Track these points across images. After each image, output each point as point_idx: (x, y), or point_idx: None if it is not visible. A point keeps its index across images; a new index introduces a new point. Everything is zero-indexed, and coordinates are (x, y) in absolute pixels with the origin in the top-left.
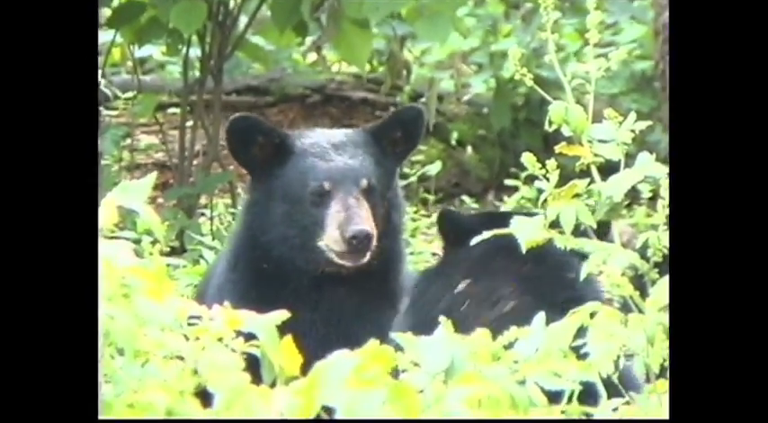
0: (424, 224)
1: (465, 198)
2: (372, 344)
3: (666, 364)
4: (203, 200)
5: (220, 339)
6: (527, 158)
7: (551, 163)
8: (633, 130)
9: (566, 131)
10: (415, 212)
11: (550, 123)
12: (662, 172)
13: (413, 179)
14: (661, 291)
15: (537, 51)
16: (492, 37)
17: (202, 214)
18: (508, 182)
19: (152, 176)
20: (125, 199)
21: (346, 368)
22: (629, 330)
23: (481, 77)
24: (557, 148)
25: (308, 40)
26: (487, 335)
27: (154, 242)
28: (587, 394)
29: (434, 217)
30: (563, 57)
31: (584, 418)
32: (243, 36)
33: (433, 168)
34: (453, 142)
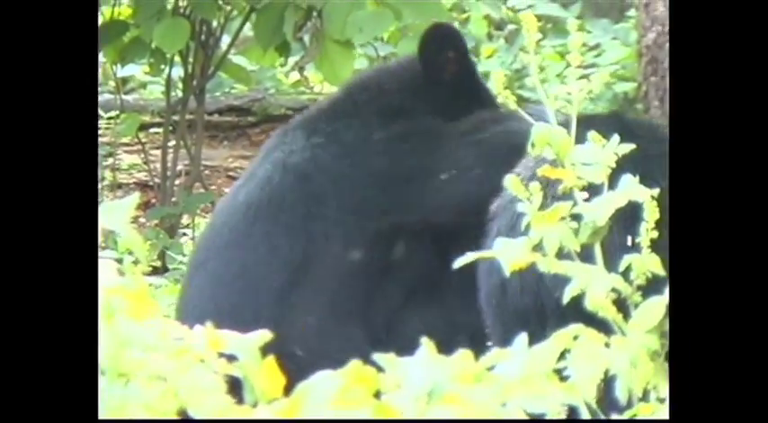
0: None
1: None
2: (355, 364)
3: (649, 386)
4: (185, 220)
5: (202, 360)
6: (510, 181)
7: (534, 185)
8: (617, 153)
9: (549, 154)
10: None
11: (533, 146)
12: (645, 194)
13: None
14: (645, 313)
15: (519, 72)
16: (475, 57)
17: (184, 234)
18: None
19: (135, 197)
20: (107, 219)
21: (330, 389)
22: (612, 353)
23: None
24: (539, 171)
25: (291, 59)
26: (469, 356)
27: (135, 262)
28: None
29: None
30: (544, 78)
31: (584, 418)
32: (225, 56)
33: None
34: None
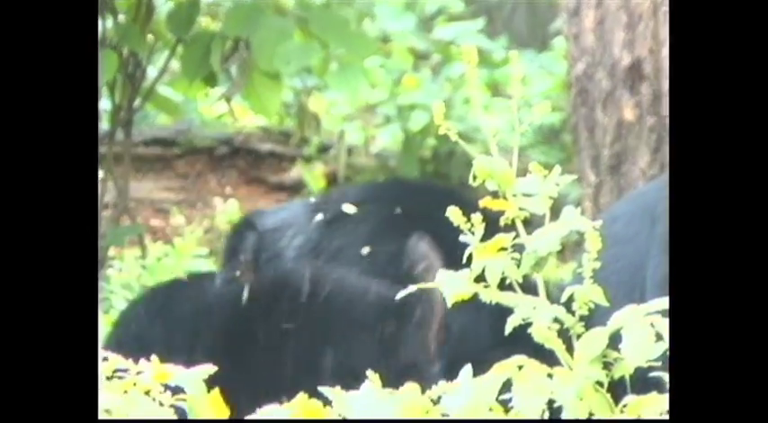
0: None
1: None
2: (302, 398)
3: (594, 416)
4: (111, 252)
5: (148, 393)
6: (452, 212)
7: (476, 216)
8: (558, 184)
9: (490, 185)
10: None
11: (475, 178)
12: (587, 225)
13: None
14: (588, 345)
15: (444, 103)
16: (400, 88)
17: (110, 266)
18: None
19: None
20: None
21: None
22: (557, 384)
23: (389, 130)
24: (481, 203)
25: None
26: (416, 389)
27: None
28: None
29: None
30: (469, 109)
31: (582, 418)
32: (153, 88)
33: None
34: None
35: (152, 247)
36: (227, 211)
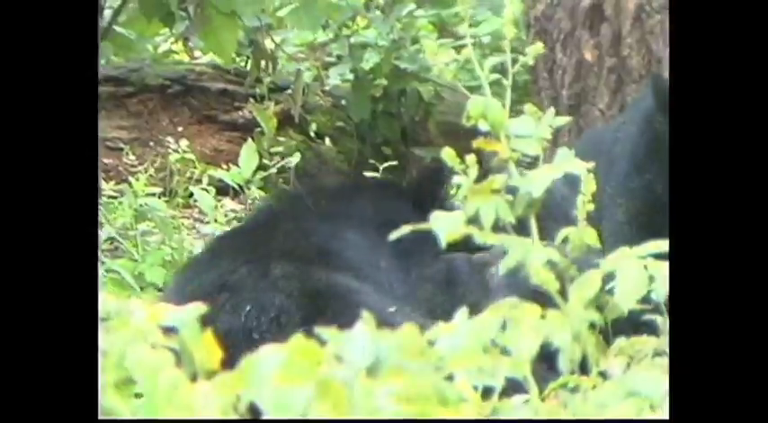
0: None
1: None
2: (299, 338)
3: (591, 360)
4: None
5: (142, 333)
6: (446, 153)
7: (471, 157)
8: (551, 126)
9: (483, 126)
10: None
11: (468, 118)
12: (582, 168)
13: (272, 170)
14: (583, 287)
15: (396, 43)
16: (348, 28)
17: None
18: (366, 173)
19: None
20: None
21: (273, 363)
22: (552, 326)
23: (340, 69)
24: (474, 143)
25: (166, 30)
26: (414, 329)
27: None
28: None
29: None
30: (417, 49)
31: (582, 418)
32: (110, 26)
33: (293, 160)
34: (312, 134)
35: (105, 186)
36: (179, 150)
